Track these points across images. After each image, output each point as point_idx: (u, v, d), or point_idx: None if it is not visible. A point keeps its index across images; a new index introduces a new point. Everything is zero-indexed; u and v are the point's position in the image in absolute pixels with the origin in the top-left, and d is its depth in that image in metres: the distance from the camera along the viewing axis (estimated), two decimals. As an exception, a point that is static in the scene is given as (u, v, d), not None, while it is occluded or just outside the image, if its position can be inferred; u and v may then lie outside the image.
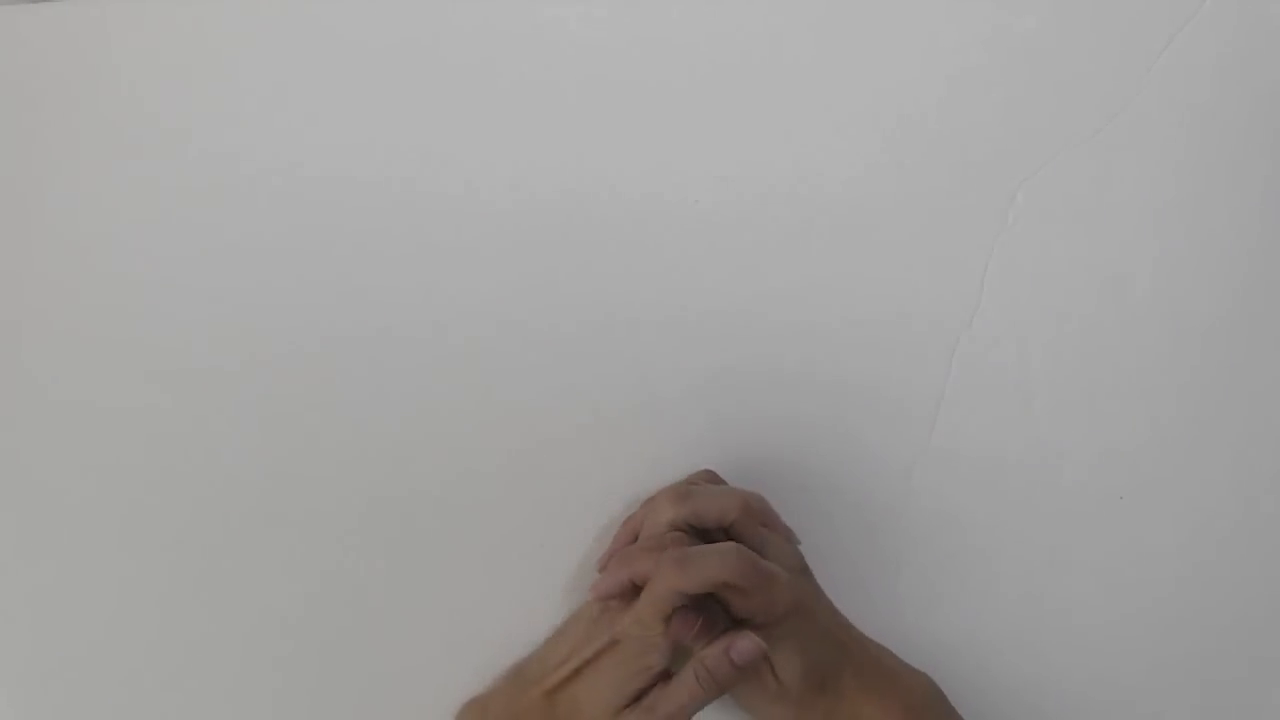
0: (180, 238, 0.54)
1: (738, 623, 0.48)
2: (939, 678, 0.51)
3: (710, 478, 0.53)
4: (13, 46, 0.54)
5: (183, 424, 0.53)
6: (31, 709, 0.51)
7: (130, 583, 0.52)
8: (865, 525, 0.54)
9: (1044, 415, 0.56)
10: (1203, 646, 0.55)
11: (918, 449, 0.55)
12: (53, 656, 0.51)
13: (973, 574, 0.55)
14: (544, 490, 0.53)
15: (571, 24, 0.55)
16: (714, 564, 0.46)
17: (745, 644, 0.46)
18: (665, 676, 0.47)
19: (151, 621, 0.52)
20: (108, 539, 0.52)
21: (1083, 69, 0.57)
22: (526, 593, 0.53)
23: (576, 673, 0.48)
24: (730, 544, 0.47)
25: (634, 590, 0.48)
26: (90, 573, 0.52)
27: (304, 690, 0.52)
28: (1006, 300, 0.56)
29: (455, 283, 0.54)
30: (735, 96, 0.56)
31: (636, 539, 0.51)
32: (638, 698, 0.47)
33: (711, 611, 0.47)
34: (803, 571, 0.50)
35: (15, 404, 0.53)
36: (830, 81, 0.56)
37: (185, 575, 0.52)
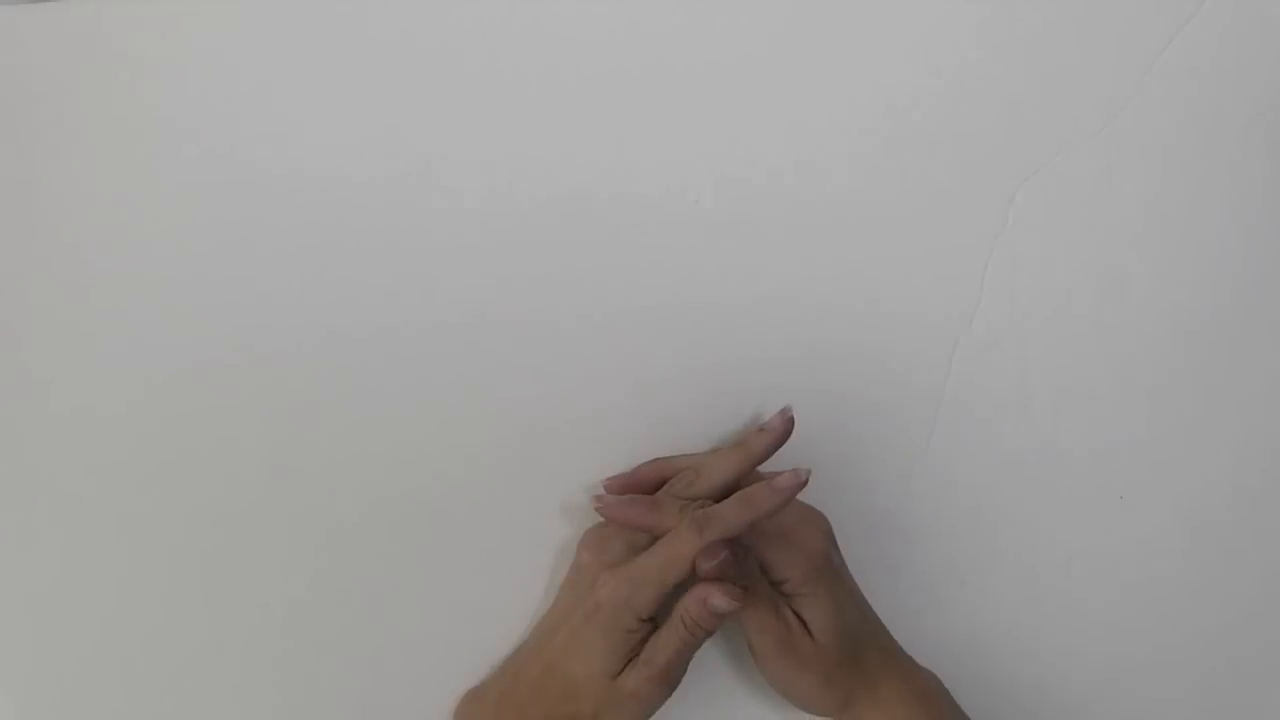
0: (180, 237, 0.54)
1: (774, 585, 0.48)
2: (940, 677, 0.51)
3: None
4: (13, 46, 0.54)
5: (181, 422, 0.53)
6: (31, 709, 0.51)
7: (129, 582, 0.52)
8: (866, 524, 0.54)
9: (1044, 415, 0.56)
10: (1202, 644, 0.55)
11: (918, 448, 0.55)
12: (53, 656, 0.51)
13: (973, 573, 0.55)
14: (545, 486, 0.53)
15: (571, 22, 0.55)
16: (733, 511, 0.47)
17: (719, 591, 0.46)
18: (652, 631, 0.47)
19: (151, 620, 0.52)
20: (106, 537, 0.52)
21: (1083, 69, 0.57)
22: (525, 588, 0.53)
23: (565, 644, 0.47)
24: (743, 490, 0.48)
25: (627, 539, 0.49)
26: (90, 572, 0.52)
27: (303, 688, 0.52)
28: (1006, 300, 0.56)
29: (456, 281, 0.54)
30: (736, 95, 0.56)
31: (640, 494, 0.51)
32: (629, 661, 0.47)
33: (743, 561, 0.47)
34: (831, 542, 0.51)
35: (15, 403, 0.53)
36: (830, 81, 0.56)
37: (184, 572, 0.52)
